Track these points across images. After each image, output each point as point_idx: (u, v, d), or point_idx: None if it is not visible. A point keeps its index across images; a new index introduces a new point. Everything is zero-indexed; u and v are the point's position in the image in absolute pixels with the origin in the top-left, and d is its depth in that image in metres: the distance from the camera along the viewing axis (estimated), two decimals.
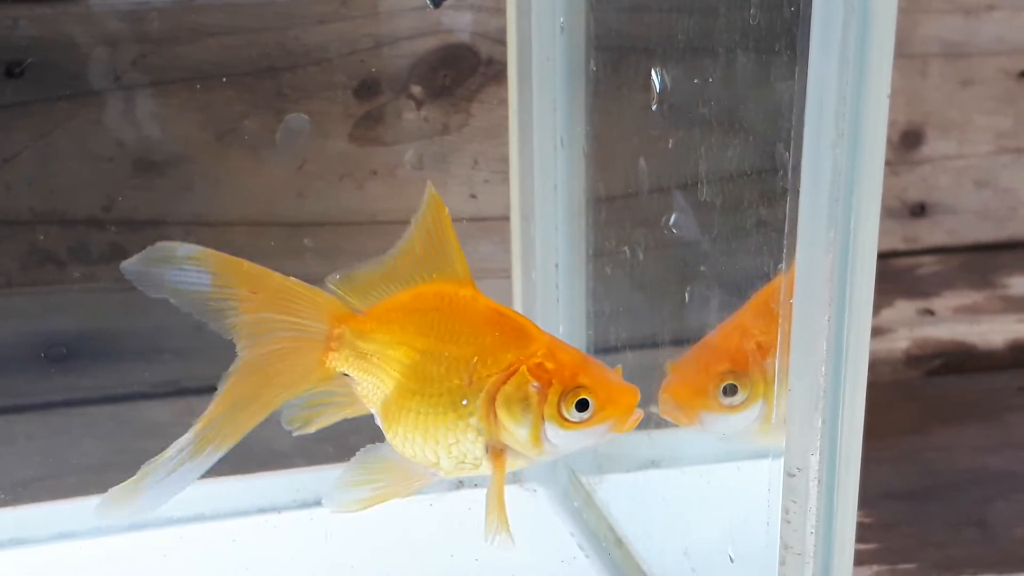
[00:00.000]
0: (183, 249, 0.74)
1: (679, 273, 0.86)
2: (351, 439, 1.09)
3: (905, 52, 1.40)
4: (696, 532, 0.81)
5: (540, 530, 0.95)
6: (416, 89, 1.16)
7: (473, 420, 0.71)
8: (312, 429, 0.79)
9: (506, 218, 1.03)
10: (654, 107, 0.79)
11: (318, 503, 0.98)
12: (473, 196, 1.18)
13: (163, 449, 1.12)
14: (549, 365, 0.70)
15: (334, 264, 1.16)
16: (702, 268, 0.79)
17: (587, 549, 0.92)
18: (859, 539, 0.98)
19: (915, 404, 1.21)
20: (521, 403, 0.70)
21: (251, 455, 0.99)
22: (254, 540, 0.95)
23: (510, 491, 0.98)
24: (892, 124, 1.38)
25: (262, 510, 0.98)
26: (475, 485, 0.99)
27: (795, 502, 0.64)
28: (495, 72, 1.15)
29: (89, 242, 1.13)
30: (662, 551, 0.85)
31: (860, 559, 0.97)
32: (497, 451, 0.72)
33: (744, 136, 0.70)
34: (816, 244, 0.60)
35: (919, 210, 1.44)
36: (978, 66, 1.41)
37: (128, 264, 0.74)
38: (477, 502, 0.96)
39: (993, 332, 1.31)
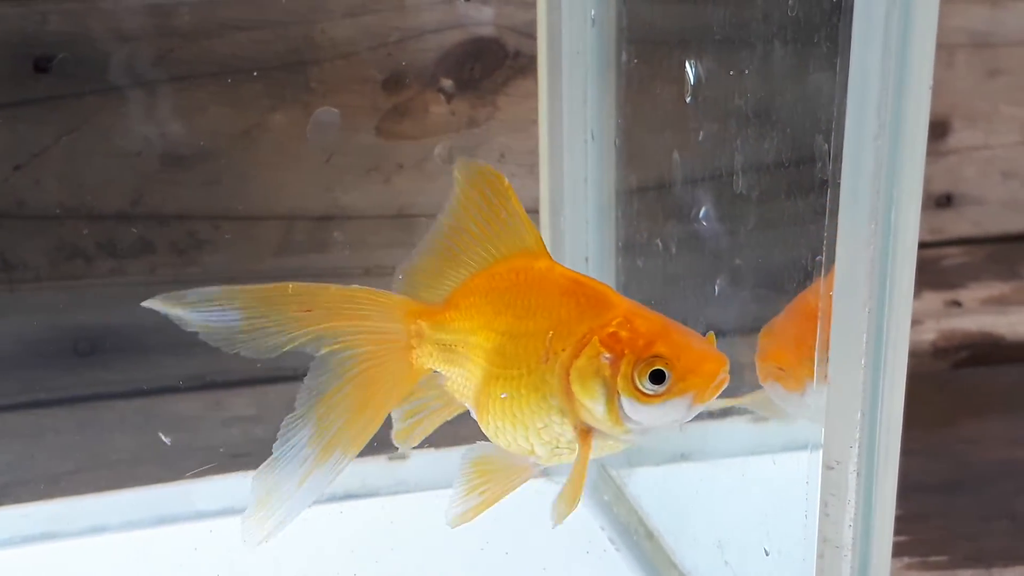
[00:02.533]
0: (203, 292, 0.72)
1: (711, 266, 0.85)
2: (384, 433, 1.11)
3: None
4: (729, 525, 0.81)
5: (570, 524, 0.94)
6: (443, 83, 1.16)
7: (555, 400, 0.67)
8: (417, 441, 0.76)
9: (535, 211, 1.03)
10: (688, 99, 0.79)
11: (348, 496, 1.00)
12: None
13: (192, 442, 1.13)
14: (623, 334, 0.65)
15: (362, 257, 1.18)
16: (737, 261, 0.79)
17: (618, 543, 0.92)
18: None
19: (943, 396, 1.20)
20: (594, 377, 0.65)
21: None
22: (285, 533, 0.95)
23: (537, 485, 0.99)
24: None
25: None
26: None
27: (834, 495, 0.64)
28: (522, 65, 1.15)
29: (117, 237, 1.14)
30: (694, 544, 0.85)
31: (892, 551, 0.97)
32: (584, 432, 0.67)
33: (781, 128, 0.70)
34: (857, 237, 0.59)
35: (945, 201, 1.44)
36: (1005, 56, 1.41)
37: (150, 303, 0.74)
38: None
39: (1021, 323, 1.31)
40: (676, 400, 0.64)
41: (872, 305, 0.61)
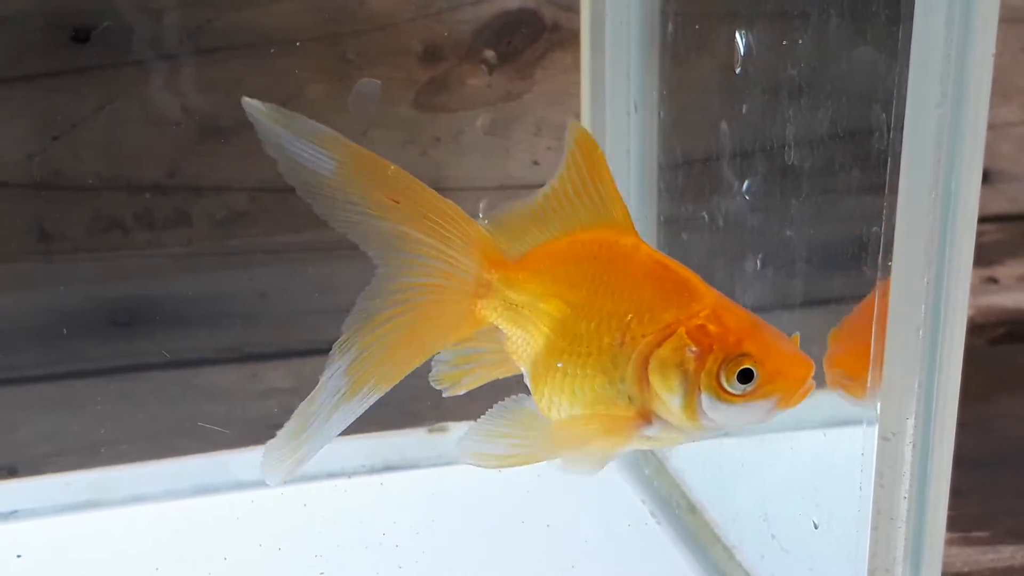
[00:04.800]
0: (310, 125, 0.67)
1: (757, 239, 0.85)
2: (411, 405, 1.11)
3: None
4: (776, 498, 0.81)
5: (612, 497, 0.95)
6: (480, 55, 1.15)
7: (623, 385, 0.64)
8: (462, 391, 0.72)
9: None
10: (738, 70, 0.78)
11: (388, 468, 1.00)
12: (536, 163, 1.17)
13: (228, 414, 1.13)
14: (712, 328, 0.62)
15: None
16: (788, 233, 0.78)
17: (659, 516, 0.92)
18: None
19: (980, 372, 1.19)
20: (676, 369, 0.62)
21: None
22: (325, 505, 0.96)
23: None
24: None
25: (332, 475, 0.98)
26: None
27: (890, 467, 0.64)
28: (560, 38, 1.14)
29: (154, 208, 1.13)
30: (738, 517, 0.84)
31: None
32: (645, 416, 0.64)
33: (836, 98, 0.70)
34: (918, 206, 0.59)
35: (981, 177, 1.43)
36: None
37: (249, 103, 0.68)
38: (546, 470, 0.97)
39: None
40: (760, 403, 0.62)
41: (931, 276, 0.60)
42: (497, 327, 0.69)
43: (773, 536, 0.80)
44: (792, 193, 0.77)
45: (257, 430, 1.04)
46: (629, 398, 0.64)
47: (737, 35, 0.78)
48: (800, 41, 0.72)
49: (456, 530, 0.92)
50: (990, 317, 1.28)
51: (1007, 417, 1.11)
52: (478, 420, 0.68)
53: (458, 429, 0.99)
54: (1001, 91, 1.41)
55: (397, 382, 0.69)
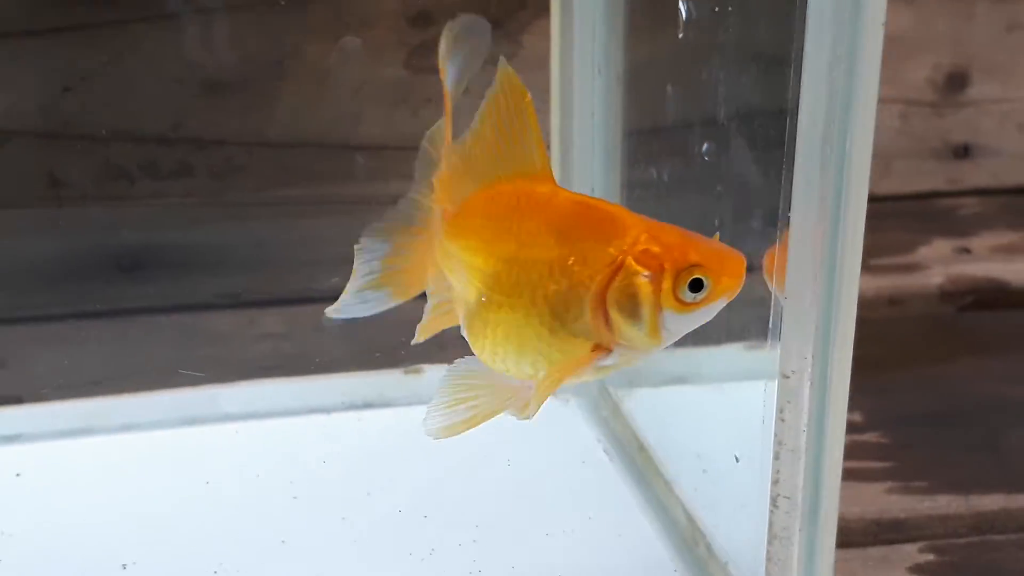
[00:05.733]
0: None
1: (712, 200, 0.90)
2: (400, 350, 1.17)
3: None
4: (708, 438, 0.87)
5: (570, 436, 1.01)
6: None
7: (579, 326, 0.66)
8: (424, 337, 0.76)
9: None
10: (680, 35, 0.83)
11: (367, 406, 1.06)
12: None
13: (225, 356, 1.19)
14: (655, 249, 0.65)
15: (388, 187, 1.23)
16: (726, 193, 0.83)
17: (612, 454, 0.98)
18: (876, 457, 1.04)
19: (944, 337, 1.25)
20: (636, 297, 0.65)
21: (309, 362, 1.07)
22: (304, 437, 1.02)
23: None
24: (937, 67, 1.42)
25: (313, 411, 1.04)
26: None
27: (789, 402, 0.69)
28: (545, 4, 1.20)
29: (159, 159, 1.20)
30: (678, 455, 0.90)
31: (875, 476, 1.02)
32: (597, 349, 0.67)
33: (758, 62, 0.75)
34: (812, 162, 0.64)
35: (963, 152, 1.48)
36: None
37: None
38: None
39: None
40: (714, 304, 0.66)
41: (827, 228, 0.65)
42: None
43: (704, 471, 0.86)
44: (728, 154, 0.82)
45: (250, 370, 1.11)
46: (586, 335, 0.66)
47: (680, 2, 0.83)
48: (729, 8, 0.78)
49: (425, 464, 0.97)
50: (960, 285, 1.32)
51: (963, 379, 1.15)
52: (436, 395, 0.71)
53: (432, 370, 1.05)
54: (984, 68, 1.46)
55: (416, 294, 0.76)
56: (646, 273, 0.65)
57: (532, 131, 0.68)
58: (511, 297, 0.67)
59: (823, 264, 0.66)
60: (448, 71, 0.75)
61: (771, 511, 0.71)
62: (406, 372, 1.06)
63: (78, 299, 1.20)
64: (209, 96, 1.18)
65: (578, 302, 0.66)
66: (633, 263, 0.65)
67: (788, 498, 0.71)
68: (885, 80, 1.49)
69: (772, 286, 0.75)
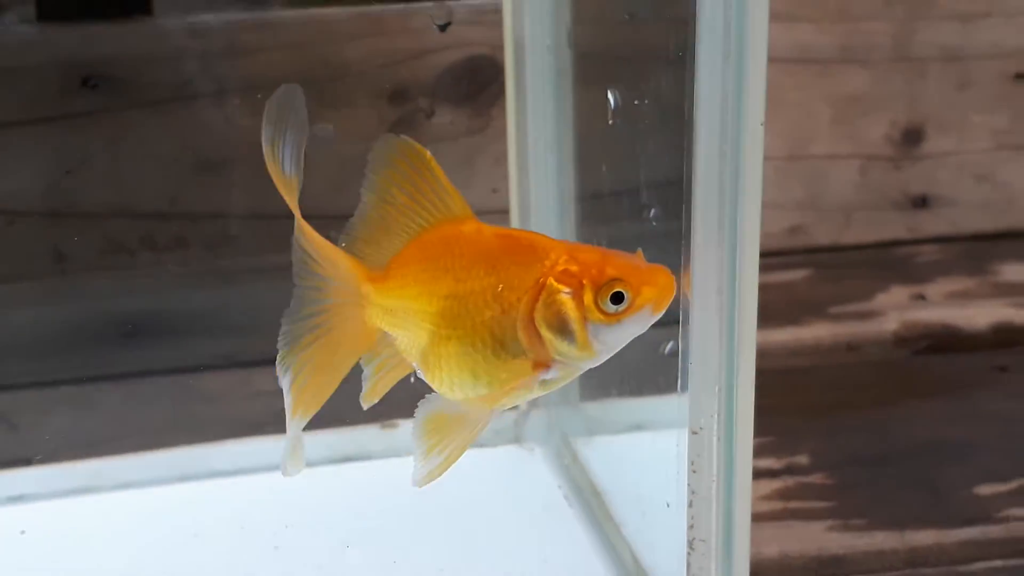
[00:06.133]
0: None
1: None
2: (378, 405, 1.25)
3: (905, 56, 1.51)
4: (646, 484, 0.95)
5: (533, 483, 1.09)
6: (442, 96, 1.30)
7: (515, 345, 0.71)
8: (377, 398, 0.80)
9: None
10: (610, 122, 0.92)
11: (346, 459, 1.14)
12: (495, 190, 1.31)
13: (220, 414, 1.27)
14: (573, 268, 0.70)
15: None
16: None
17: (571, 499, 1.06)
18: (818, 497, 1.11)
19: (894, 381, 1.32)
20: (559, 314, 0.70)
21: None
22: (288, 490, 1.08)
23: (510, 450, 1.14)
24: (894, 123, 1.50)
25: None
26: (482, 445, 1.13)
27: (699, 455, 0.77)
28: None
29: (156, 233, 1.29)
30: (624, 500, 0.98)
31: (817, 515, 1.09)
32: (538, 366, 0.72)
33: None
34: (710, 227, 0.72)
35: (921, 202, 1.55)
36: (975, 69, 1.52)
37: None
38: (482, 461, 1.11)
39: (979, 315, 1.41)
40: (638, 314, 0.70)
41: (724, 299, 0.74)
42: (387, 333, 0.77)
43: (643, 513, 0.94)
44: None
45: (241, 427, 1.20)
46: (525, 355, 0.71)
47: (608, 92, 0.92)
48: (646, 100, 0.86)
49: (398, 512, 1.05)
50: (914, 331, 1.40)
51: (905, 420, 1.22)
52: (414, 447, 0.75)
53: (406, 424, 1.13)
54: (938, 124, 1.54)
55: (320, 405, 0.78)
56: (567, 290, 0.70)
57: (442, 182, 0.73)
58: (456, 329, 0.72)
59: (724, 329, 0.75)
60: (280, 152, 0.79)
61: (688, 553, 0.80)
62: (383, 427, 1.14)
63: (83, 364, 1.28)
64: (202, 174, 1.28)
65: (512, 324, 0.71)
66: (554, 282, 0.70)
67: (704, 541, 0.79)
68: (845, 137, 1.59)
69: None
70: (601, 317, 0.69)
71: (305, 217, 1.26)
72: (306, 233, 0.77)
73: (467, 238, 0.73)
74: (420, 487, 0.75)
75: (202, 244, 1.30)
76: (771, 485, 1.13)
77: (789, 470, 1.15)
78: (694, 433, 0.77)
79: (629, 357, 1.03)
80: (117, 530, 1.05)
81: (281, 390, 0.77)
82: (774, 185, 1.48)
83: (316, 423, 1.16)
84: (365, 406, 0.80)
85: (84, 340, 1.29)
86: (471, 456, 1.12)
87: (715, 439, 0.77)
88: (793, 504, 1.11)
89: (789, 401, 1.25)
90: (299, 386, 0.77)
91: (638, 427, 1.06)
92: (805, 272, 1.53)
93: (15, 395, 1.27)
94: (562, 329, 0.70)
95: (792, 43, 1.48)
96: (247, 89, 1.27)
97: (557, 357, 0.71)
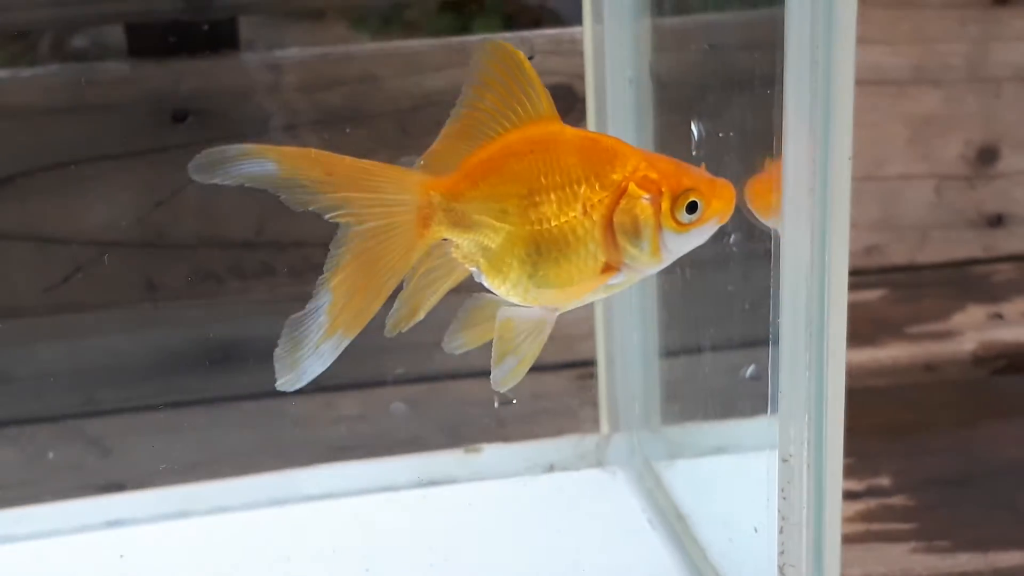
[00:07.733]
0: (239, 148, 0.75)
1: None
2: (462, 429, 1.27)
3: (978, 76, 1.51)
4: (735, 508, 0.96)
5: (616, 507, 1.11)
6: None
7: (591, 246, 0.72)
8: (420, 316, 0.77)
9: None
10: (694, 153, 0.94)
11: (432, 483, 1.17)
12: None
13: (308, 439, 1.30)
14: (653, 176, 0.72)
15: None
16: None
17: (655, 523, 1.07)
18: (901, 519, 1.12)
19: (973, 401, 1.32)
20: (637, 220, 0.71)
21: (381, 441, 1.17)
22: (376, 514, 1.12)
23: (592, 474, 1.16)
24: (968, 142, 1.51)
25: (383, 489, 1.15)
26: (564, 469, 1.15)
27: (789, 482, 0.79)
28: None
29: (243, 261, 1.33)
30: (710, 524, 1.00)
31: (901, 537, 1.10)
32: (607, 269, 0.73)
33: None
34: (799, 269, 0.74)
35: (996, 221, 1.56)
36: None
37: (193, 165, 0.76)
38: (564, 485, 1.13)
39: None
40: (705, 225, 0.72)
41: (813, 326, 0.75)
42: (443, 241, 0.75)
43: (730, 539, 0.95)
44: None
45: (326, 452, 1.22)
46: (595, 256, 0.73)
47: (692, 124, 0.93)
48: (732, 133, 0.88)
49: (480, 535, 1.07)
50: (992, 350, 1.40)
51: (986, 441, 1.23)
52: (493, 348, 0.75)
53: (490, 449, 1.16)
54: (1013, 143, 1.54)
55: (363, 326, 0.78)
56: (647, 196, 0.72)
57: (534, 83, 0.73)
58: (537, 227, 0.73)
59: (813, 355, 0.76)
60: None
61: None
62: (467, 451, 1.16)
63: (173, 391, 1.32)
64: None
65: (589, 226, 0.72)
66: (635, 187, 0.72)
67: (794, 567, 0.80)
68: (920, 157, 1.60)
69: (755, 214, 0.84)
70: (674, 225, 0.72)
71: None
72: (347, 161, 0.75)
73: (550, 137, 0.73)
74: (502, 390, 0.75)
75: (287, 272, 1.33)
76: (853, 507, 1.14)
77: (871, 492, 1.16)
78: (784, 461, 0.79)
79: (712, 381, 1.06)
80: (212, 554, 1.08)
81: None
82: (850, 205, 1.49)
83: (399, 448, 1.20)
84: (403, 329, 0.78)
85: (174, 366, 1.33)
86: (554, 480, 1.15)
87: (805, 466, 0.78)
88: (876, 526, 1.12)
89: (868, 422, 1.26)
90: (337, 307, 0.77)
91: (720, 450, 1.08)
92: (882, 292, 1.53)
93: (108, 420, 1.31)
94: (638, 234, 0.72)
95: (867, 65, 1.49)
96: (332, 121, 1.30)
97: (628, 261, 0.73)
